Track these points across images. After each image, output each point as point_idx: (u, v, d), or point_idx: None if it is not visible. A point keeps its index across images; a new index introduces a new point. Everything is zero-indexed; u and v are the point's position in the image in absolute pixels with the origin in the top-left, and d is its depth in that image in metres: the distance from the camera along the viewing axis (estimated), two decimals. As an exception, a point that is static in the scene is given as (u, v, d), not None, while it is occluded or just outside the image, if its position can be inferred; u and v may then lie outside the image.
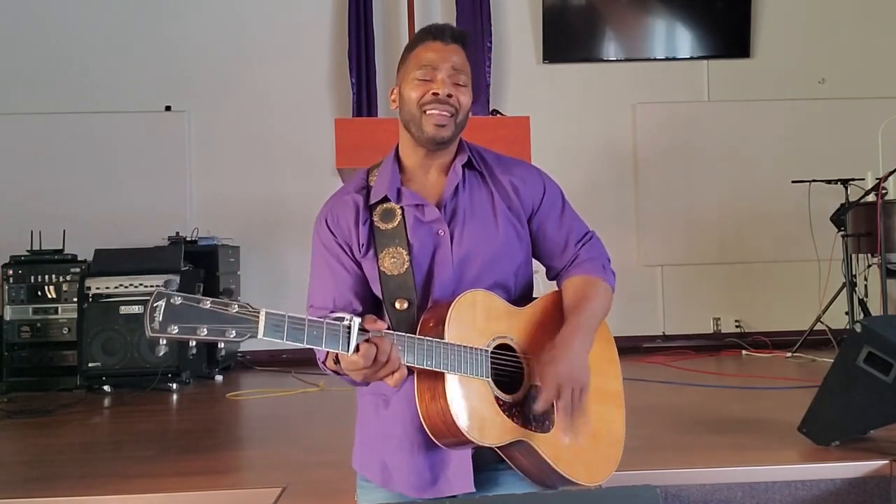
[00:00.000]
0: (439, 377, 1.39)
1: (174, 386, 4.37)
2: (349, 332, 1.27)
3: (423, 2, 5.54)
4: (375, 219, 1.53)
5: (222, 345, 1.19)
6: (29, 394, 4.42)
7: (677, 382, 4.09)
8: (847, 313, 4.69)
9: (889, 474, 2.32)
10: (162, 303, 1.15)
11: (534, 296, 1.64)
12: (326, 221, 1.57)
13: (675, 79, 5.71)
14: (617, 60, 5.73)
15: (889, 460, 2.34)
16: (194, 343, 1.19)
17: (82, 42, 5.47)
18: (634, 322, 5.40)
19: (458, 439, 1.39)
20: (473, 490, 1.47)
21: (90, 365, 4.35)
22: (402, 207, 1.53)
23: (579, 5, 5.71)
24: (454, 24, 5.36)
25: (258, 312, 1.20)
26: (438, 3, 5.63)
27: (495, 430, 1.41)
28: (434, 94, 1.49)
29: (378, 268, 1.50)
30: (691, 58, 5.73)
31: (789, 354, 4.83)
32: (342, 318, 1.27)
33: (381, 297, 1.51)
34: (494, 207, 1.58)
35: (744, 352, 5.16)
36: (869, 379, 2.44)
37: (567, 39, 5.68)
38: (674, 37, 5.76)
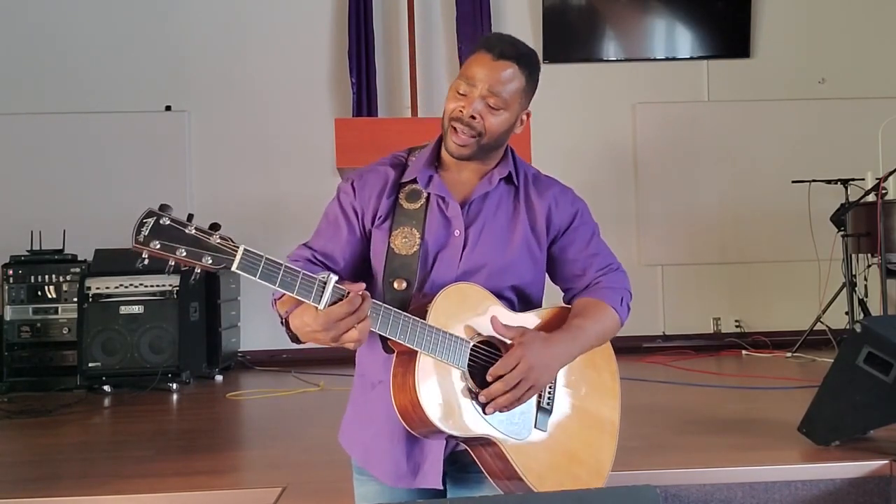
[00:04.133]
0: (413, 357, 1.38)
1: (174, 386, 4.37)
2: (324, 287, 1.29)
3: (423, 2, 5.54)
4: (401, 196, 1.55)
5: (198, 270, 1.25)
6: (29, 394, 4.41)
7: (677, 382, 4.09)
8: (847, 313, 4.69)
9: (889, 474, 2.32)
10: (151, 220, 1.22)
11: None
12: (353, 182, 1.59)
13: (675, 79, 5.70)
14: (617, 60, 5.73)
15: (889, 460, 2.34)
16: (172, 263, 1.24)
17: (82, 42, 5.47)
18: (634, 322, 5.27)
19: (423, 423, 1.37)
20: (441, 487, 1.47)
21: (90, 365, 4.35)
22: (429, 193, 1.55)
23: (579, 5, 5.71)
24: (455, 25, 5.42)
25: (237, 247, 1.25)
26: (438, 3, 5.63)
27: (461, 419, 1.39)
28: (460, 111, 1.49)
29: (388, 243, 1.51)
30: (691, 58, 5.72)
31: (789, 354, 4.83)
32: (320, 274, 1.30)
33: (381, 273, 1.51)
34: (516, 224, 1.57)
35: (744, 352, 5.16)
36: (869, 379, 2.44)
37: (567, 39, 5.68)
38: (674, 37, 5.76)
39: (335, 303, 1.29)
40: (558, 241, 1.61)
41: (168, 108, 5.48)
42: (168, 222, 1.22)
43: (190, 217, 1.25)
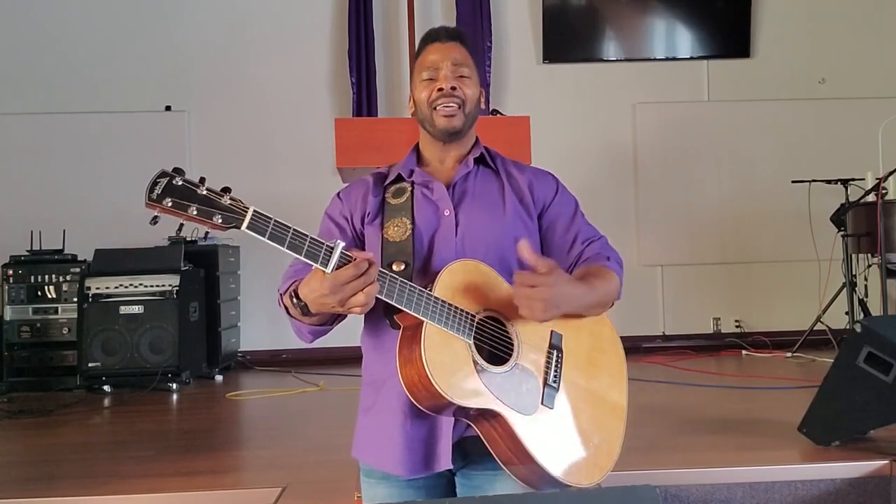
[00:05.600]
0: (419, 330, 1.39)
1: (174, 386, 4.37)
2: (331, 252, 1.31)
3: (423, 2, 5.54)
4: (388, 195, 1.62)
5: (209, 230, 1.27)
6: (29, 394, 4.42)
7: (677, 382, 4.09)
8: (847, 313, 4.70)
9: (889, 474, 2.33)
10: (164, 180, 1.25)
11: None
12: (339, 195, 1.67)
13: (675, 79, 5.71)
14: (617, 60, 5.73)
15: (889, 460, 2.34)
16: (182, 223, 1.27)
17: (82, 42, 5.47)
18: (634, 322, 5.40)
19: (429, 392, 1.38)
20: (451, 466, 1.48)
21: (90, 365, 4.35)
22: (412, 183, 1.61)
23: (579, 5, 5.71)
24: (454, 24, 5.42)
25: (248, 208, 1.28)
26: (438, 3, 5.64)
27: (466, 387, 1.39)
28: (439, 89, 1.58)
29: (381, 235, 1.56)
30: (691, 58, 5.73)
31: (789, 354, 4.84)
32: (328, 241, 1.33)
33: (379, 262, 1.51)
34: (504, 197, 1.63)
35: (744, 352, 5.16)
36: (869, 379, 2.44)
37: (567, 39, 5.68)
38: (674, 37, 5.76)
39: (342, 267, 1.31)
40: (545, 214, 1.66)
41: (168, 108, 5.49)
42: (181, 182, 1.25)
43: (202, 179, 1.27)
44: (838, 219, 4.66)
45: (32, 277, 4.67)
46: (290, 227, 1.29)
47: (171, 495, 2.35)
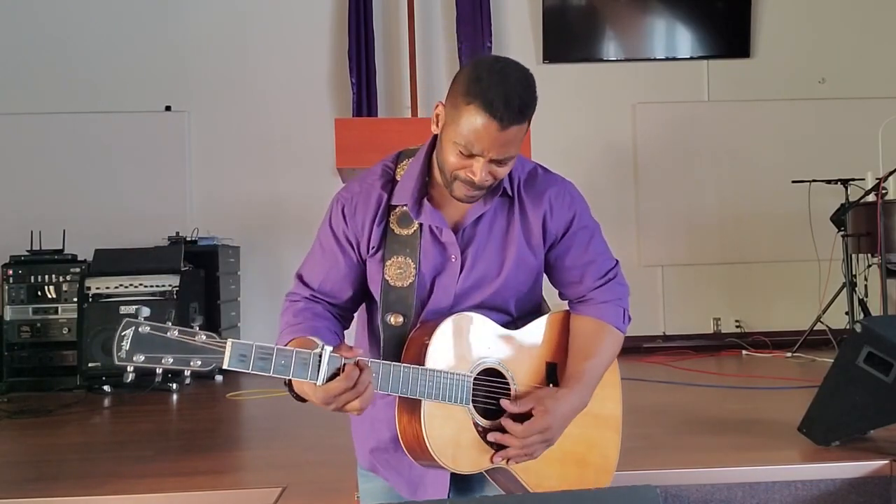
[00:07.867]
0: (417, 403, 1.37)
1: (174, 386, 4.36)
2: (320, 361, 1.24)
3: (423, 2, 5.54)
4: (392, 220, 1.49)
5: (188, 371, 1.20)
6: (29, 394, 4.41)
7: (677, 382, 4.09)
8: (847, 313, 4.69)
9: (889, 474, 2.32)
10: (130, 332, 1.17)
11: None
12: (343, 209, 1.51)
13: (675, 79, 5.71)
14: (617, 60, 5.73)
15: (889, 460, 2.34)
16: (160, 370, 1.19)
17: (82, 42, 5.47)
18: (634, 322, 5.21)
19: (431, 464, 1.39)
20: (444, 497, 1.48)
21: (90, 365, 4.34)
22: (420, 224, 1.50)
23: (579, 5, 5.71)
24: (455, 25, 5.41)
25: (225, 343, 1.20)
26: (438, 3, 5.63)
27: (470, 457, 1.40)
28: (469, 175, 1.38)
29: (382, 274, 1.48)
30: (691, 58, 5.72)
31: (789, 354, 4.83)
32: (315, 345, 1.27)
33: (378, 305, 1.49)
34: (511, 241, 1.53)
35: (744, 352, 5.16)
36: (869, 379, 2.44)
37: (567, 39, 5.68)
38: (674, 37, 5.76)
39: (334, 375, 1.25)
40: (556, 247, 1.57)
41: (168, 108, 5.48)
42: (148, 330, 1.17)
43: (168, 316, 1.23)
44: (838, 219, 4.66)
45: (32, 277, 4.67)
46: (272, 349, 1.22)
47: (171, 495, 2.35)
